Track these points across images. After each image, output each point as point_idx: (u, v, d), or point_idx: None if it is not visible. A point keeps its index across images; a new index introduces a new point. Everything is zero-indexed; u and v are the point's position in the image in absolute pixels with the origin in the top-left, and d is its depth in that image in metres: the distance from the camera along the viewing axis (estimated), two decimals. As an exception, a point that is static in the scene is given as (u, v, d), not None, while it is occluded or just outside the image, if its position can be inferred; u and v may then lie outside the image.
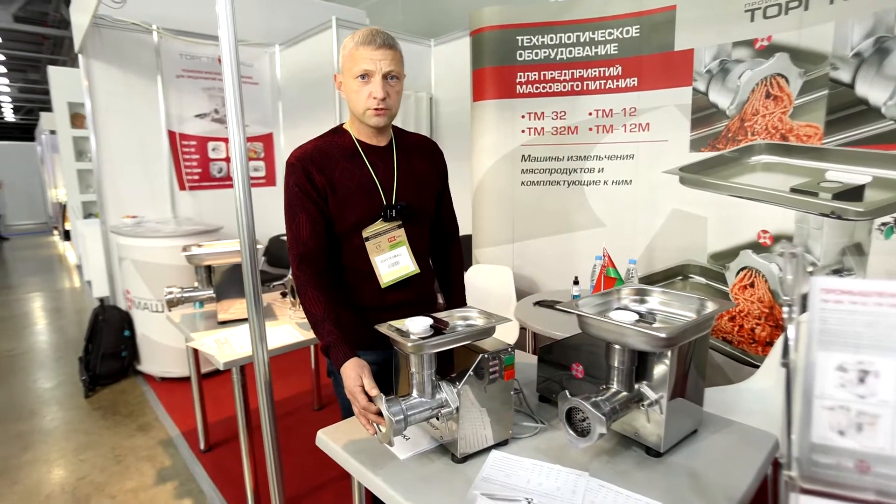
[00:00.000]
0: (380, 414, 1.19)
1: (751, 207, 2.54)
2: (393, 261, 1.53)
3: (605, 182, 3.09)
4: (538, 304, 2.87)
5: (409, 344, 1.18)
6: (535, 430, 1.40)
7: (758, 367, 2.50)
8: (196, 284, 2.66)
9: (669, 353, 1.21)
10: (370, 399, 1.22)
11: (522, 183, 3.28)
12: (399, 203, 1.51)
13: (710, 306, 1.29)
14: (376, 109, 1.44)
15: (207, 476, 2.73)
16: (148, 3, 4.03)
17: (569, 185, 3.18)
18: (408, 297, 1.57)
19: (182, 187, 4.45)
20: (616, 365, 1.27)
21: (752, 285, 2.59)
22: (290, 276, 2.84)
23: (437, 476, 1.21)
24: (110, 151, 4.07)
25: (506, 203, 3.32)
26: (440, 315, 1.33)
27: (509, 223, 3.32)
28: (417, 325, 1.23)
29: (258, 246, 2.76)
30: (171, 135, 4.30)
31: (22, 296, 6.70)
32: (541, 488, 1.15)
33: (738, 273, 2.61)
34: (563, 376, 1.46)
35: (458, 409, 1.24)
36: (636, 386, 1.27)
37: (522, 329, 2.71)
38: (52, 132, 9.51)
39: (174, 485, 2.65)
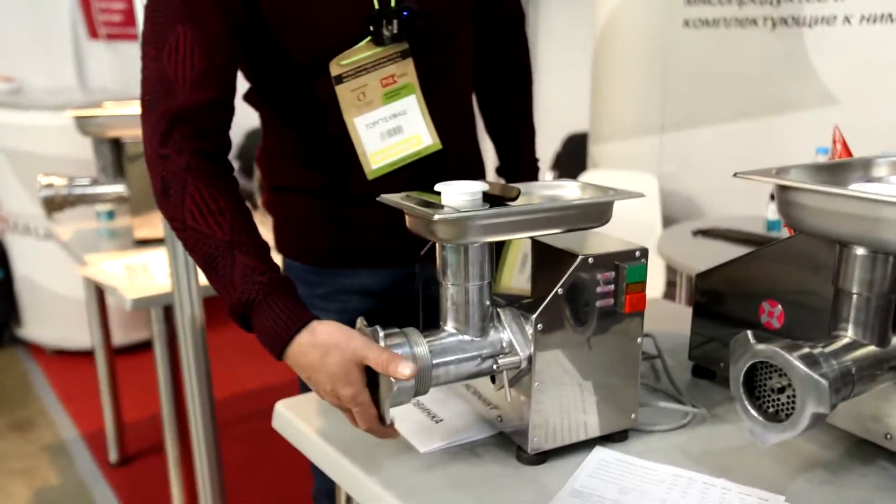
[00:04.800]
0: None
1: None
2: (391, 125, 1.05)
3: (847, 19, 2.28)
4: (700, 233, 2.26)
5: (439, 218, 0.76)
6: (685, 419, 0.98)
7: None
8: (96, 175, 2.12)
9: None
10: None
11: (686, 24, 2.53)
12: (405, 6, 1.02)
13: None
14: None
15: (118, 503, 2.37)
16: None
17: (774, 25, 2.40)
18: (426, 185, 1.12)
19: (93, 34, 3.65)
20: (856, 291, 0.82)
21: None
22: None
23: (486, 484, 0.85)
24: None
25: (652, 63, 2.62)
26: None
27: (656, 99, 2.61)
28: (458, 191, 0.81)
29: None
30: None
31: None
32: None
33: None
34: (739, 332, 0.95)
35: (530, 360, 0.83)
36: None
37: (672, 272, 2.22)
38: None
39: (60, 516, 2.45)
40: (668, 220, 2.56)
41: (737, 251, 2.19)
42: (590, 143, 2.76)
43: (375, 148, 1.06)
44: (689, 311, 1.45)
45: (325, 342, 0.82)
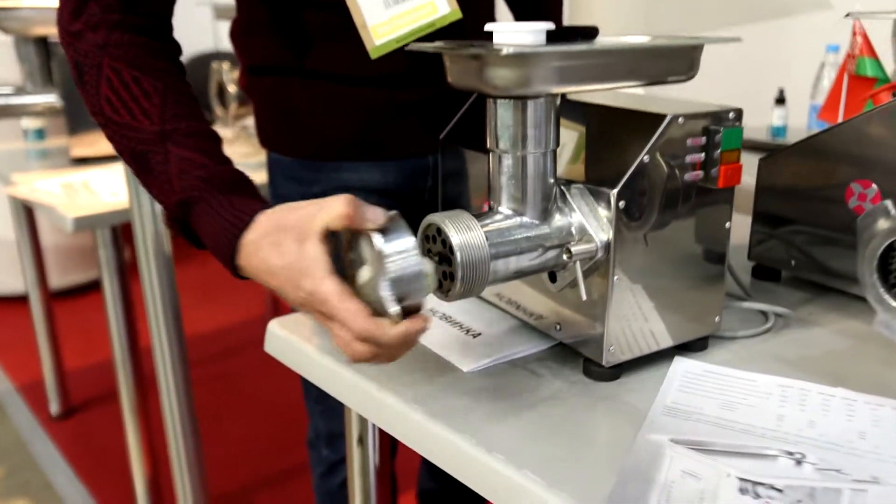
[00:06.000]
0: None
1: None
2: None
3: None
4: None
5: (509, 52, 0.57)
6: (768, 323, 0.82)
7: None
8: (23, 83, 1.85)
9: None
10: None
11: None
12: None
13: None
14: None
15: (62, 459, 2.13)
16: None
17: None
18: (438, 73, 0.86)
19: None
20: None
21: None
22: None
23: (558, 405, 0.67)
24: None
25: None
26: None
27: (640, 4, 2.47)
28: (518, 29, 0.61)
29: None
30: None
31: None
32: (816, 433, 0.62)
33: None
34: (815, 225, 0.86)
35: (608, 248, 0.65)
36: None
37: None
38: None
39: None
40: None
41: (746, 159, 2.08)
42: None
43: (379, 19, 0.85)
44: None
45: (274, 227, 0.61)
